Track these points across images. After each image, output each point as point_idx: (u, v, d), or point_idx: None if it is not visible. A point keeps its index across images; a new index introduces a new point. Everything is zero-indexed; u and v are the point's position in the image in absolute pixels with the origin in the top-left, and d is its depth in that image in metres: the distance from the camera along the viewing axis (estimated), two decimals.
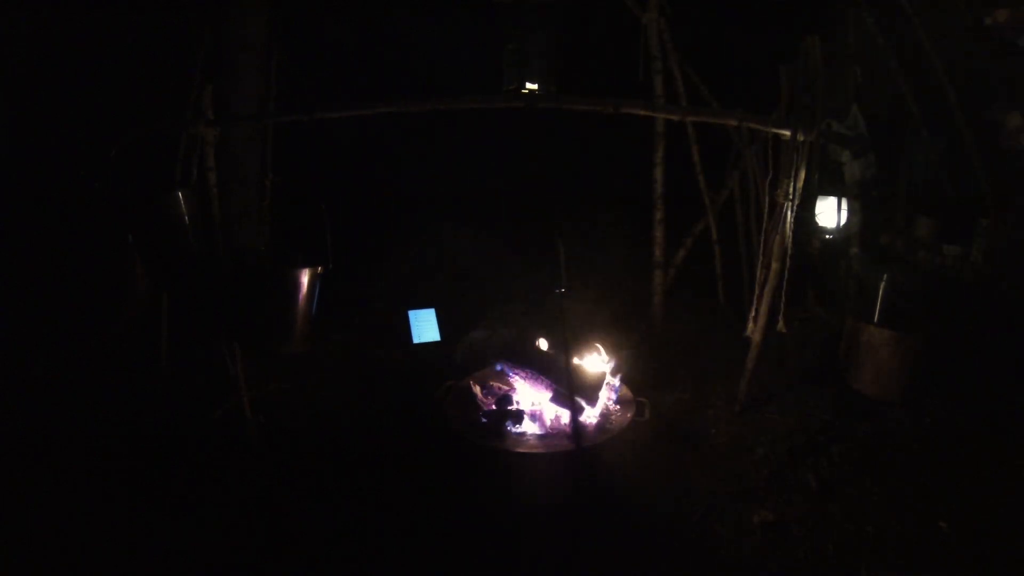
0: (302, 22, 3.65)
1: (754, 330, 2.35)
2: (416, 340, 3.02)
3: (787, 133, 2.07)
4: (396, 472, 2.12)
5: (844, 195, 3.33)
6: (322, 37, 4.25)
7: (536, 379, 2.31)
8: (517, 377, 2.37)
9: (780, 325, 2.32)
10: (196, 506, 1.94)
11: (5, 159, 3.22)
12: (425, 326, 3.06)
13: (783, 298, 2.28)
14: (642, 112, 2.15)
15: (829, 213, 3.37)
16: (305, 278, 2.00)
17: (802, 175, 2.09)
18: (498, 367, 2.45)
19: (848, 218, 3.35)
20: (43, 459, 2.12)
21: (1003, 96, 3.14)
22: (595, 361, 2.49)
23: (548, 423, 2.24)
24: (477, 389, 2.38)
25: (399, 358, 2.94)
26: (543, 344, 2.51)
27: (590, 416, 2.25)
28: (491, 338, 2.60)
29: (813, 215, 3.42)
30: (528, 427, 2.21)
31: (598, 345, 2.60)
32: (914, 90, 3.44)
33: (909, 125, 3.53)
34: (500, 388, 2.41)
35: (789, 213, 2.14)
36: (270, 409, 2.38)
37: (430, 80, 4.51)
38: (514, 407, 2.27)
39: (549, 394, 2.27)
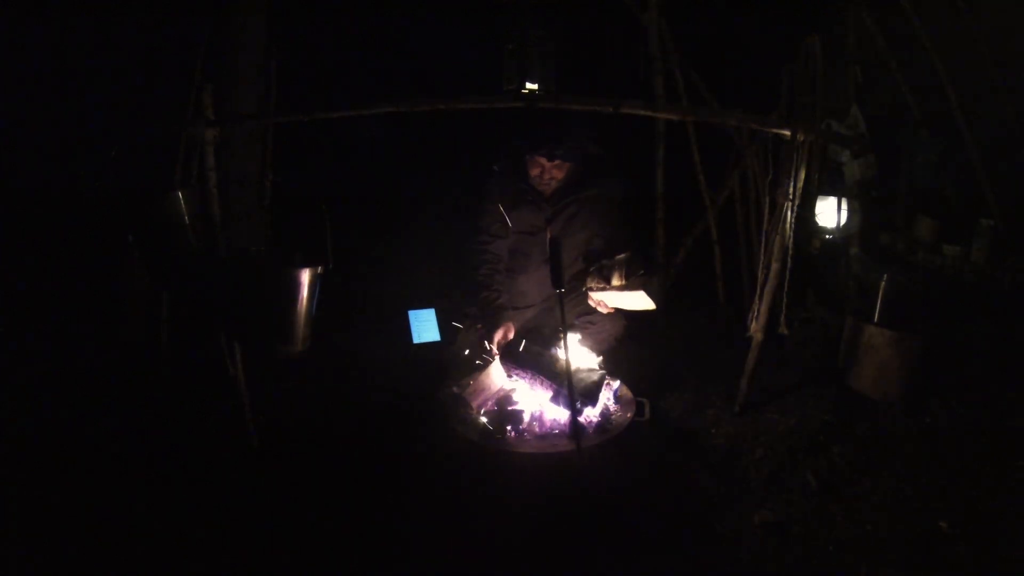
0: (302, 22, 3.65)
1: (754, 330, 2.35)
2: (416, 340, 3.02)
3: (787, 133, 2.07)
4: (396, 472, 2.12)
5: (844, 195, 3.33)
6: (322, 37, 4.25)
7: (536, 379, 2.31)
8: (517, 377, 2.37)
9: (781, 327, 2.32)
10: (196, 506, 1.94)
11: (5, 159, 3.23)
12: (425, 326, 3.06)
13: (784, 298, 2.28)
14: (642, 112, 2.15)
15: (829, 213, 3.37)
16: (305, 278, 2.00)
17: (802, 175, 2.09)
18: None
19: (848, 218, 3.35)
20: (42, 458, 2.12)
21: None
22: (595, 361, 2.49)
23: (548, 423, 2.25)
24: None
25: (399, 358, 2.93)
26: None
27: (590, 416, 2.25)
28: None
29: (813, 215, 3.42)
30: (528, 427, 2.22)
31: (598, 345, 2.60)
32: (914, 90, 3.45)
33: (909, 125, 3.53)
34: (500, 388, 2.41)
35: (789, 213, 2.14)
36: (270, 409, 2.38)
37: (430, 80, 4.51)
38: (514, 407, 2.27)
39: (549, 394, 2.27)
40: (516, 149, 2.61)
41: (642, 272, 2.38)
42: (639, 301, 2.41)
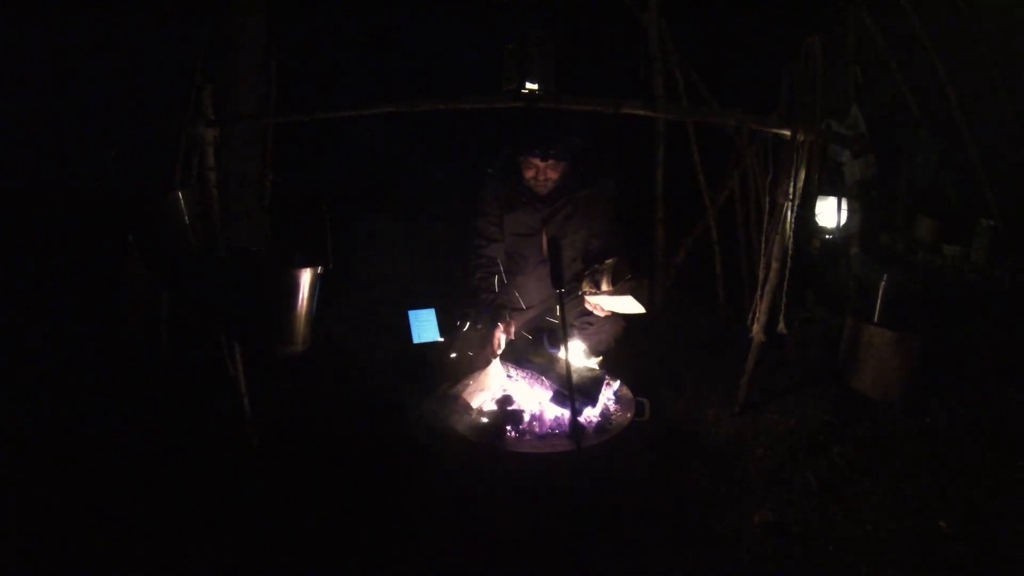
0: (302, 22, 3.65)
1: (754, 330, 2.35)
2: (416, 340, 3.02)
3: (787, 133, 2.07)
4: (396, 472, 2.12)
5: (844, 195, 3.34)
6: (322, 37, 4.25)
7: (536, 379, 2.31)
8: (517, 377, 2.37)
9: (780, 326, 2.32)
10: (196, 506, 1.94)
11: (5, 159, 3.23)
12: (425, 326, 3.06)
13: (783, 298, 2.28)
14: (642, 112, 2.15)
15: (829, 213, 3.37)
16: (305, 278, 2.00)
17: (802, 175, 2.09)
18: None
19: (848, 218, 3.35)
20: (42, 458, 2.12)
21: None
22: (595, 361, 2.49)
23: (548, 423, 2.25)
24: None
25: (399, 358, 2.94)
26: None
27: (590, 416, 2.25)
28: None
29: (813, 215, 3.42)
30: (528, 427, 2.22)
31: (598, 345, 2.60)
32: (913, 90, 3.45)
33: (909, 125, 3.53)
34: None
35: (789, 213, 2.14)
36: (270, 409, 2.38)
37: (430, 80, 4.51)
38: (514, 407, 2.27)
39: (549, 394, 2.27)
40: (511, 151, 2.62)
41: (629, 277, 2.39)
42: (629, 305, 2.42)
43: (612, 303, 2.48)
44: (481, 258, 2.71)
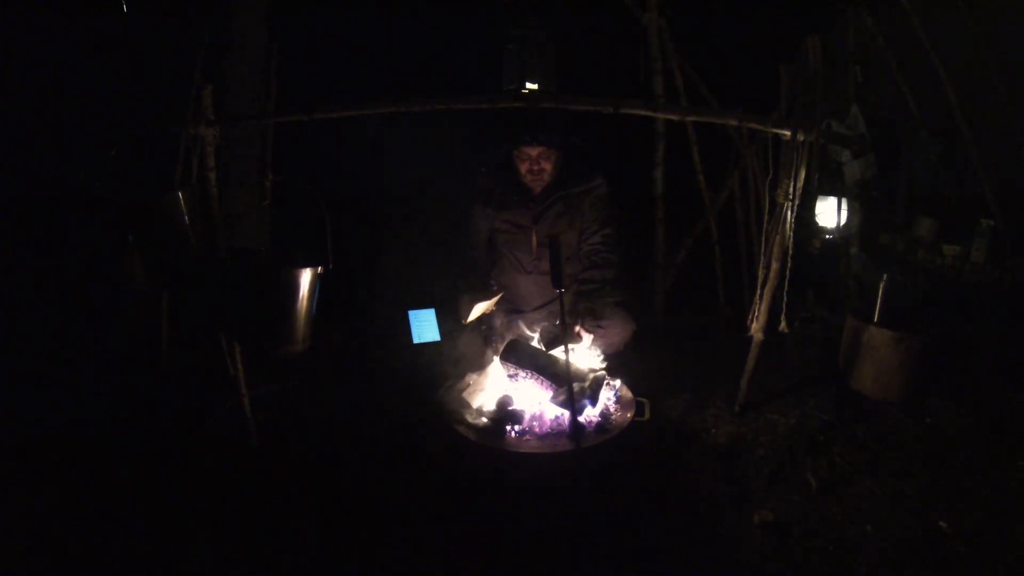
0: (302, 21, 3.65)
1: (754, 330, 2.35)
2: (416, 340, 3.02)
3: (787, 133, 2.07)
4: (396, 472, 2.12)
5: (844, 195, 3.33)
6: (322, 37, 4.25)
7: (537, 379, 2.31)
8: (518, 377, 2.37)
9: (781, 325, 2.32)
10: (196, 506, 1.94)
11: (5, 159, 3.23)
12: (425, 326, 3.06)
13: (784, 298, 2.29)
14: (642, 112, 2.15)
15: (829, 213, 3.37)
16: (305, 278, 2.00)
17: (802, 175, 2.09)
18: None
19: (848, 218, 3.35)
20: (42, 458, 2.12)
21: None
22: (596, 361, 2.50)
23: (548, 423, 2.25)
24: None
25: (399, 358, 2.94)
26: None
27: (590, 416, 2.25)
28: None
29: (813, 215, 3.42)
30: (528, 427, 2.22)
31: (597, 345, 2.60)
32: (914, 90, 3.44)
33: (909, 125, 3.53)
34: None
35: (789, 213, 2.14)
36: (270, 409, 2.38)
37: (430, 80, 4.50)
38: (514, 407, 2.27)
39: (549, 394, 2.27)
40: (504, 148, 2.64)
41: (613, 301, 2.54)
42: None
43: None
44: (476, 249, 2.76)
